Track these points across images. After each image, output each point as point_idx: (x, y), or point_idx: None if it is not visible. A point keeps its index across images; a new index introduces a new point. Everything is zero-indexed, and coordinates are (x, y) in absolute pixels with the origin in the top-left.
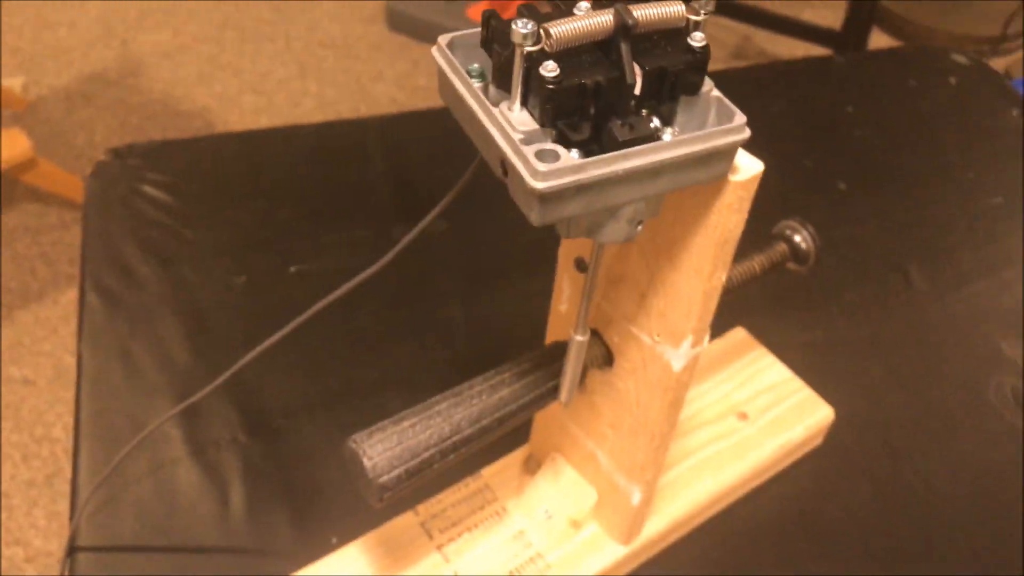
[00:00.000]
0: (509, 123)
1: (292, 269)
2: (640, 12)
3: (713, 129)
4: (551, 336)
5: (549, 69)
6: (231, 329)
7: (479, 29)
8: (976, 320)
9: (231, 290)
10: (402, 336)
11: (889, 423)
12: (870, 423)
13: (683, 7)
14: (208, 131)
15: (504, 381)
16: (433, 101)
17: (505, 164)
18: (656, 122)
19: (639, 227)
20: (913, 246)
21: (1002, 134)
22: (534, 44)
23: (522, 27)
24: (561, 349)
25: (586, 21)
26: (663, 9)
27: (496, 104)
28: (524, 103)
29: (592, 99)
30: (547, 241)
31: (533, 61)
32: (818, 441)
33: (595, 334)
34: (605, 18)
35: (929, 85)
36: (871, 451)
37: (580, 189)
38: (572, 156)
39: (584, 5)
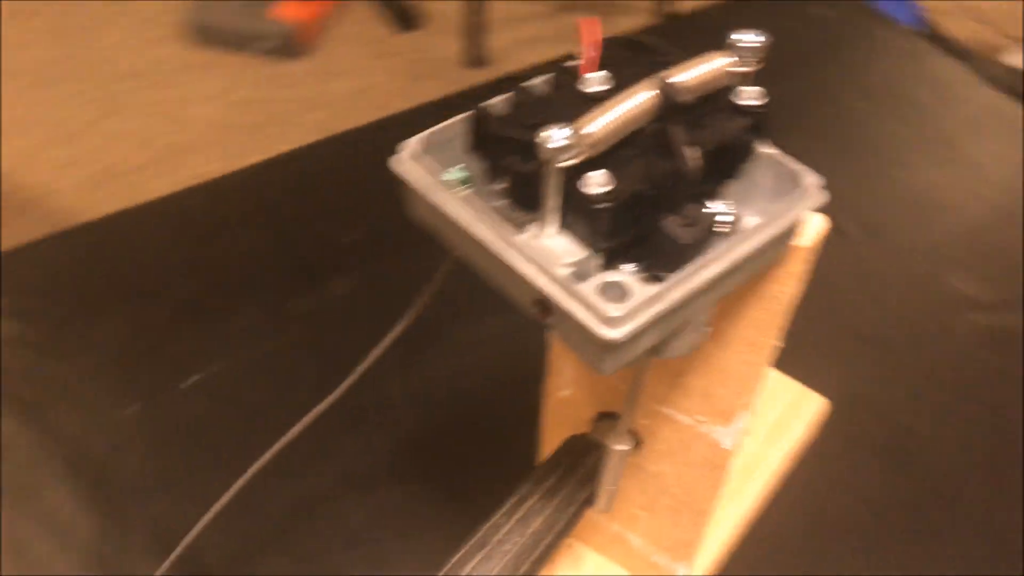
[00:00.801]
0: (547, 255)
1: (187, 382)
2: (684, 80)
3: (790, 201)
4: (550, 426)
5: (598, 183)
6: (138, 476)
7: (451, 123)
8: (920, 262)
9: (122, 427)
10: (341, 429)
11: (877, 397)
12: (858, 401)
13: (726, 60)
14: (14, 199)
15: (533, 509)
16: (263, 117)
17: (547, 304)
18: (714, 206)
19: (709, 329)
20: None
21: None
22: (573, 155)
23: (557, 138)
24: (582, 445)
25: (625, 107)
26: (708, 67)
27: (516, 226)
28: (565, 225)
29: (649, 205)
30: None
31: (570, 173)
32: (815, 434)
33: (610, 416)
34: (646, 96)
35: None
36: (868, 430)
37: (658, 319)
38: (641, 286)
39: (597, 75)
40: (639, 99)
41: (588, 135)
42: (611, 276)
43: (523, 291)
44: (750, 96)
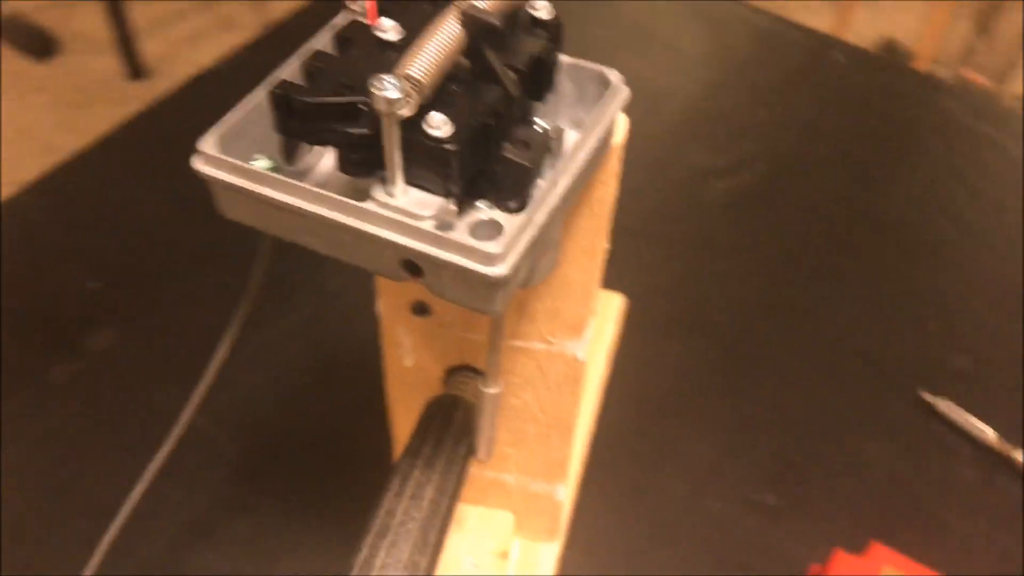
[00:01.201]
0: (405, 213)
1: None
2: (485, 3)
3: (603, 103)
4: (399, 399)
5: (438, 125)
6: None
7: (244, 110)
8: (659, 146)
9: None
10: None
11: (661, 282)
12: (648, 290)
13: None
14: None
15: (420, 483)
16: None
17: (417, 262)
18: (540, 123)
19: (559, 248)
20: None
21: None
22: (410, 104)
23: (391, 89)
24: (444, 405)
25: (441, 42)
26: None
27: (355, 194)
28: (410, 179)
29: (488, 136)
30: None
31: (404, 123)
32: (623, 329)
33: (461, 369)
34: (454, 28)
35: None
36: (664, 313)
37: (532, 246)
38: (507, 218)
39: (388, 22)
40: (450, 32)
41: (418, 80)
42: (474, 216)
43: (386, 257)
44: (544, 9)
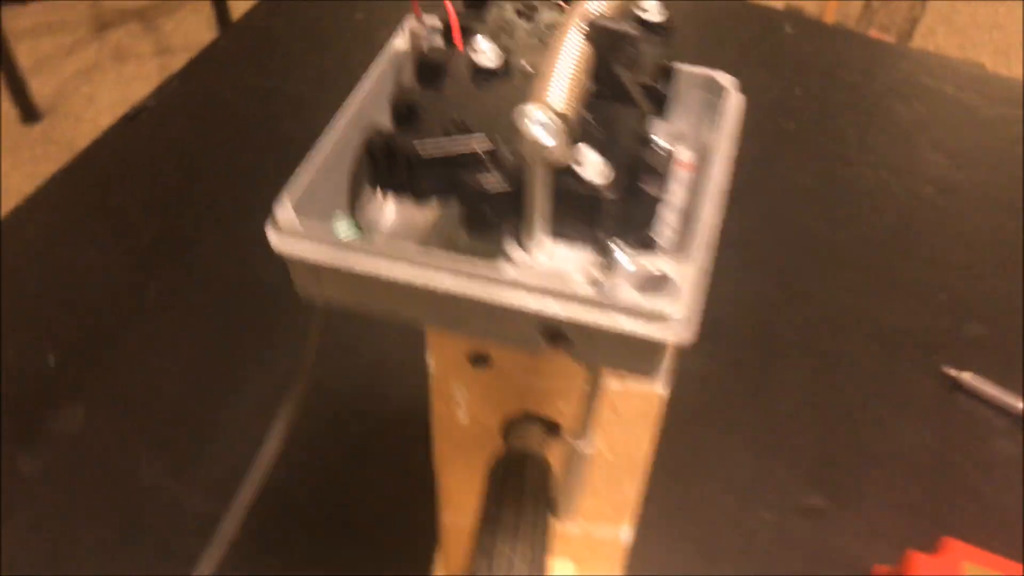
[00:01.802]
0: (555, 276)
1: None
2: (603, 9)
3: (726, 114)
4: (450, 455)
5: (592, 168)
6: None
7: (313, 167)
8: None
9: None
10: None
11: None
12: None
13: None
14: None
15: (509, 556)
16: None
17: (565, 331)
18: (661, 143)
19: None
20: None
21: None
22: (562, 142)
23: (540, 128)
24: (514, 463)
25: (572, 62)
26: None
27: (477, 256)
28: (559, 233)
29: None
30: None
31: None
32: None
33: (522, 419)
34: (581, 44)
35: None
36: None
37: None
38: (672, 264)
39: (482, 42)
40: (579, 48)
41: (563, 113)
42: (626, 265)
43: (523, 328)
44: (655, 11)
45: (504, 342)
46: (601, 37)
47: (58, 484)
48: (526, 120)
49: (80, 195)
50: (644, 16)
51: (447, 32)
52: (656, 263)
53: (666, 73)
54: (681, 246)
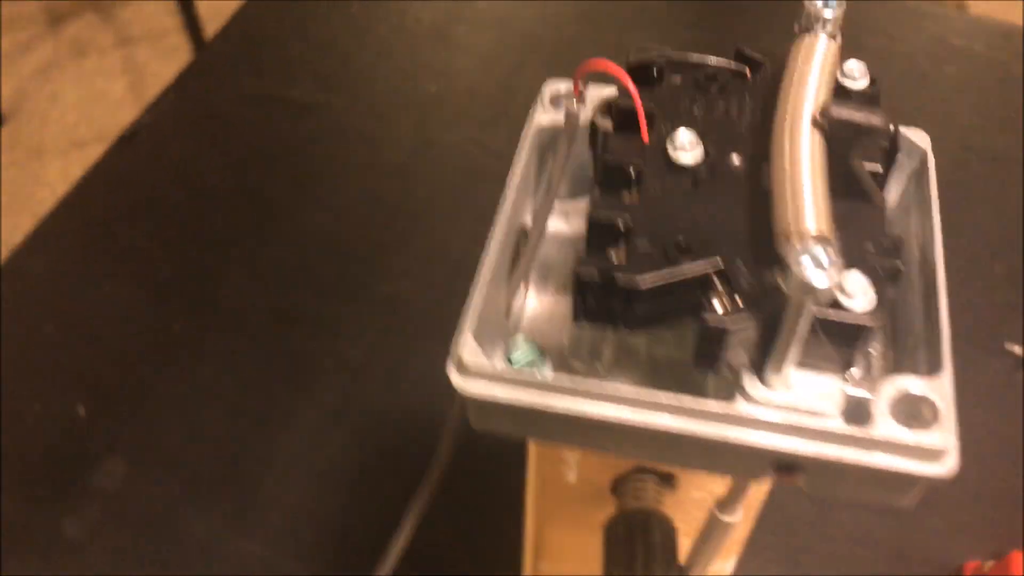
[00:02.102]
0: (802, 411)
1: None
2: (826, 95)
3: (927, 185)
4: (550, 515)
5: (856, 297)
6: None
7: (480, 289)
8: None
9: None
10: None
11: None
12: None
13: (826, 42)
14: None
15: None
16: None
17: (797, 464)
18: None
19: None
20: None
21: None
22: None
23: (811, 264)
24: (634, 527)
25: (817, 171)
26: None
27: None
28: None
29: None
30: None
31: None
32: None
33: (635, 472)
34: (816, 143)
35: None
36: None
37: None
38: (927, 383)
39: (684, 134)
40: (817, 149)
41: (827, 236)
42: (902, 397)
43: (756, 462)
44: (862, 75)
45: (724, 473)
46: (837, 130)
47: (107, 546)
48: (800, 258)
49: (84, 230)
50: (850, 85)
51: (614, 109)
52: (912, 385)
53: (891, 152)
54: (928, 360)
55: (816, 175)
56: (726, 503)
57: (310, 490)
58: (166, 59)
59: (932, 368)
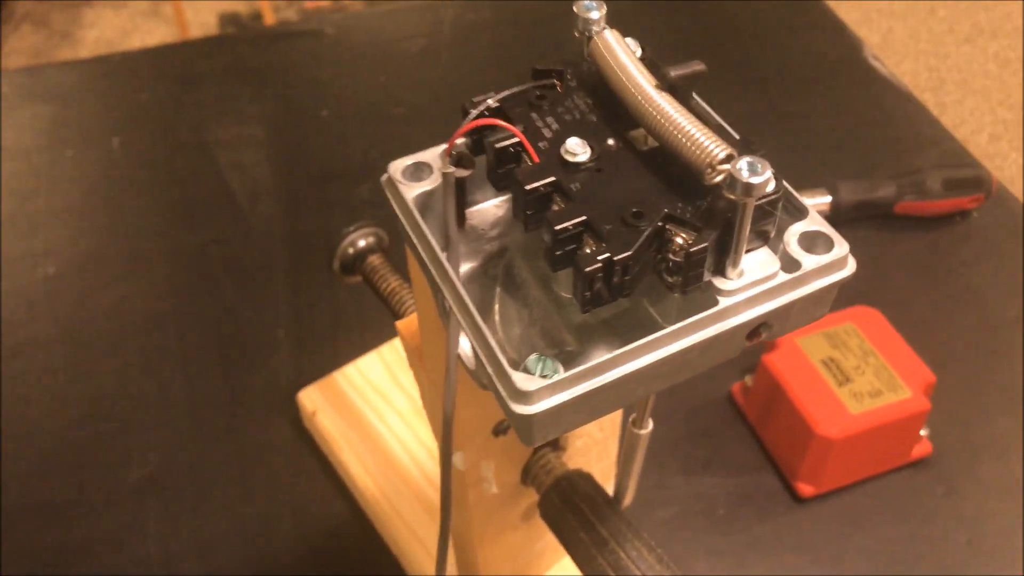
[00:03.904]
0: (761, 280)
1: None
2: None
3: None
4: (484, 527)
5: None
6: None
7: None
8: None
9: None
10: None
11: None
12: None
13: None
14: None
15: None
16: None
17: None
18: None
19: None
20: None
21: None
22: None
23: (749, 169)
24: (561, 496)
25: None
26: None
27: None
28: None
29: None
30: None
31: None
32: None
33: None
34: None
35: None
36: None
37: None
38: (804, 222)
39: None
40: (672, 104)
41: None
42: (789, 242)
43: (736, 339)
44: (634, 45)
45: (713, 364)
46: (676, 83)
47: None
48: (740, 171)
49: None
50: (639, 54)
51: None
52: (801, 227)
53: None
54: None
55: (692, 118)
56: (637, 419)
57: None
58: None
59: (800, 213)
